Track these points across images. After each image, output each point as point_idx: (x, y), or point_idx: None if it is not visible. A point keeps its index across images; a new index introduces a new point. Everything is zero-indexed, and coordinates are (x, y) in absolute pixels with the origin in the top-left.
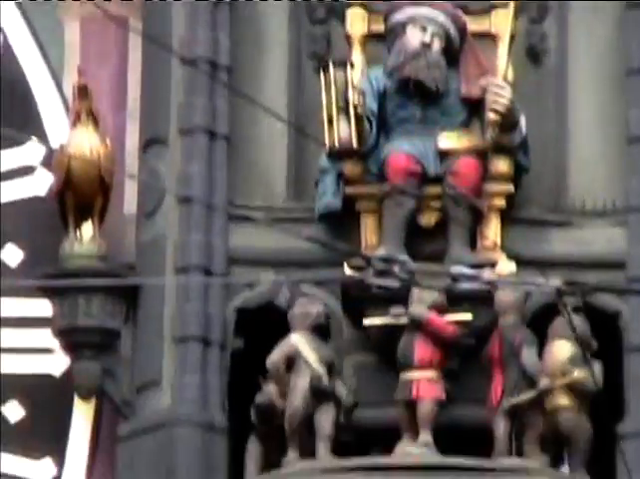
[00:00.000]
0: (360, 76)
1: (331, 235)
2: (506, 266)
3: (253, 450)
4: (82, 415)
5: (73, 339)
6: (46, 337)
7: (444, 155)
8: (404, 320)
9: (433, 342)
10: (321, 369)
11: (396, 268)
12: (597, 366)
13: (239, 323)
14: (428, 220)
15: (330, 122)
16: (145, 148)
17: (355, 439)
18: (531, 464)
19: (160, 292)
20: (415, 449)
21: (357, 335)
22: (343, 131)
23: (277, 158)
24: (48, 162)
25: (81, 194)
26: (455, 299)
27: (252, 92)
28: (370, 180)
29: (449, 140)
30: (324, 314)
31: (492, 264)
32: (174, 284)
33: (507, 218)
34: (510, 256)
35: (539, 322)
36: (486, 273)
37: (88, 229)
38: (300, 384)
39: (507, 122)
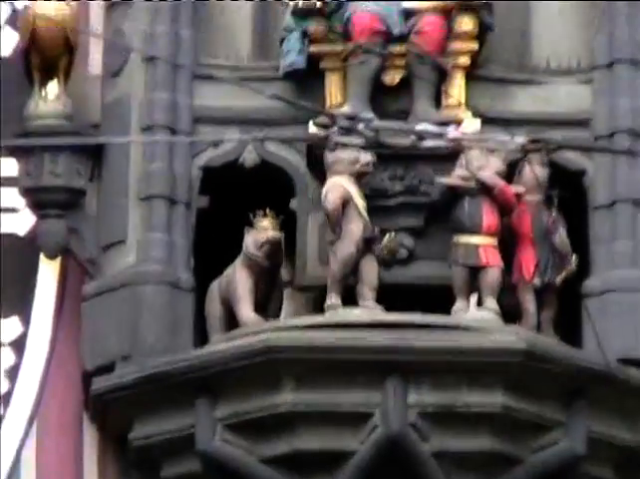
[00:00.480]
0: None
1: (296, 93)
2: (471, 124)
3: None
4: (47, 274)
5: (38, 198)
6: (12, 197)
7: (408, 13)
8: (472, 184)
9: (497, 209)
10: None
11: (360, 126)
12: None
13: (205, 182)
14: (392, 78)
15: None
16: (110, 7)
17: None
18: (494, 322)
19: (125, 151)
20: (485, 313)
21: (321, 192)
22: None
23: (242, 17)
24: (13, 21)
25: (46, 53)
26: (420, 157)
27: None
28: (334, 38)
29: None
30: (372, 164)
31: (457, 122)
32: (140, 143)
33: (472, 76)
34: (475, 114)
35: (505, 179)
36: (451, 131)
37: (53, 88)
38: (354, 231)
39: None
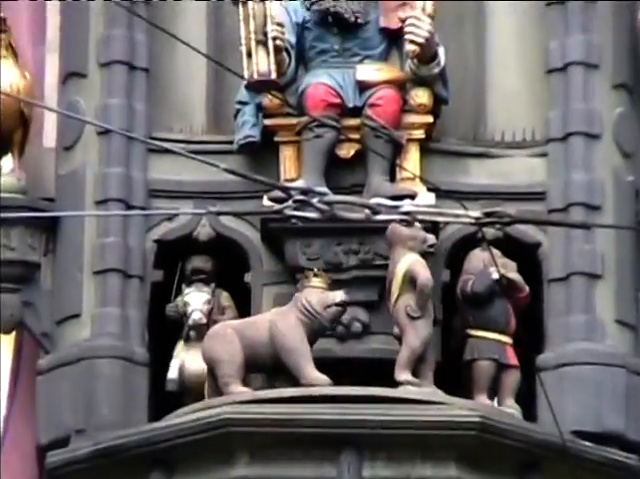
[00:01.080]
0: (278, 8)
1: (250, 166)
2: (426, 198)
3: None
4: (2, 348)
5: None
6: None
7: (363, 86)
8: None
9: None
10: None
11: (315, 200)
12: None
13: (159, 256)
14: (347, 151)
15: (249, 54)
16: (64, 81)
17: None
18: (444, 396)
19: (79, 225)
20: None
21: (276, 267)
22: (262, 63)
23: (196, 90)
24: None
25: (0, 127)
26: (374, 231)
27: (171, 25)
28: (289, 112)
29: (368, 71)
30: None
31: (412, 196)
32: (94, 217)
33: (427, 149)
34: (430, 188)
35: (458, 254)
36: (406, 205)
37: (8, 162)
38: (432, 310)
39: (426, 53)
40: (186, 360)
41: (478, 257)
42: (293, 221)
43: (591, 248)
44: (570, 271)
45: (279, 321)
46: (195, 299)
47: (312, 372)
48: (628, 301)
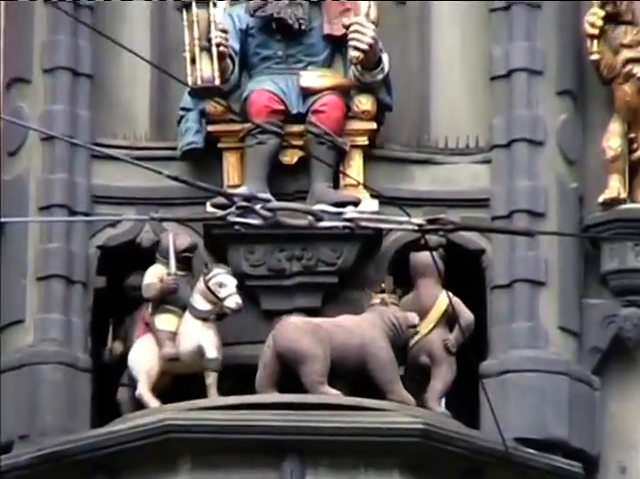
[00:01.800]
0: (222, 14)
1: (194, 173)
2: (369, 205)
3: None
4: None
5: None
6: None
7: (306, 93)
8: None
9: None
10: None
11: (258, 207)
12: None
13: (102, 262)
14: (290, 158)
15: (193, 61)
16: (7, 87)
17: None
18: (388, 403)
19: (23, 231)
20: None
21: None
22: (205, 69)
23: (140, 97)
24: None
25: None
26: (317, 238)
27: (115, 31)
28: (233, 118)
29: (311, 78)
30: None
31: (355, 203)
32: (38, 223)
33: (370, 155)
34: (373, 195)
35: (401, 261)
36: (349, 211)
37: None
38: None
39: (370, 60)
40: (206, 340)
41: None
42: (236, 227)
43: (535, 255)
44: (514, 279)
45: (370, 332)
46: (230, 282)
47: (402, 390)
48: (572, 308)
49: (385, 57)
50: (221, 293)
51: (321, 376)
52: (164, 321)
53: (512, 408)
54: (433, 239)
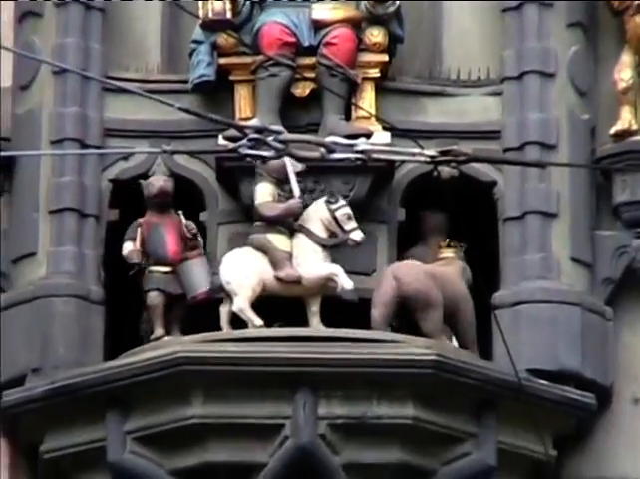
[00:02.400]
0: None
1: (205, 105)
2: (381, 136)
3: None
4: None
5: None
6: None
7: (318, 25)
8: None
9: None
10: None
11: (270, 138)
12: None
13: (114, 195)
14: (302, 90)
15: None
16: (19, 21)
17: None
18: (400, 336)
19: (35, 164)
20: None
21: (232, 205)
22: (217, 2)
23: (152, 29)
24: None
25: None
26: (329, 169)
27: None
28: (244, 51)
29: (323, 10)
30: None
31: (367, 135)
32: (50, 156)
33: (382, 88)
34: (385, 126)
35: (414, 192)
36: (361, 143)
37: None
38: None
39: None
40: (336, 269)
41: None
42: (248, 159)
43: (546, 187)
44: (526, 210)
45: (460, 288)
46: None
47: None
48: (584, 240)
49: None
50: (348, 225)
51: (441, 324)
52: (279, 241)
53: (525, 340)
54: (444, 170)
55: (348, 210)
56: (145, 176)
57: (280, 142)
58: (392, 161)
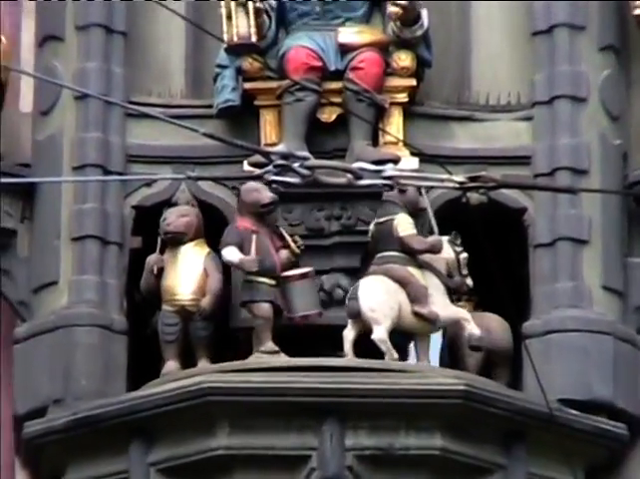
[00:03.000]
0: None
1: (230, 131)
2: (409, 162)
3: None
4: None
5: None
6: None
7: (345, 49)
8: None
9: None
10: None
11: (296, 165)
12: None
13: (137, 222)
14: (329, 115)
15: (229, 17)
16: (41, 44)
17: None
18: (427, 366)
19: (57, 191)
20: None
21: None
22: (242, 26)
23: (175, 54)
24: None
25: None
26: (356, 196)
27: None
28: (269, 75)
29: (349, 34)
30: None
31: (395, 161)
32: (72, 183)
33: (410, 113)
34: (413, 152)
35: (442, 219)
36: (389, 170)
37: None
38: None
39: (409, 15)
40: (465, 314)
41: None
42: (274, 186)
43: (578, 213)
44: (556, 237)
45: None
46: None
47: None
48: (615, 267)
49: (424, 12)
50: (464, 270)
51: None
52: (419, 276)
53: (556, 369)
54: (474, 197)
55: (466, 254)
56: (168, 202)
57: (306, 168)
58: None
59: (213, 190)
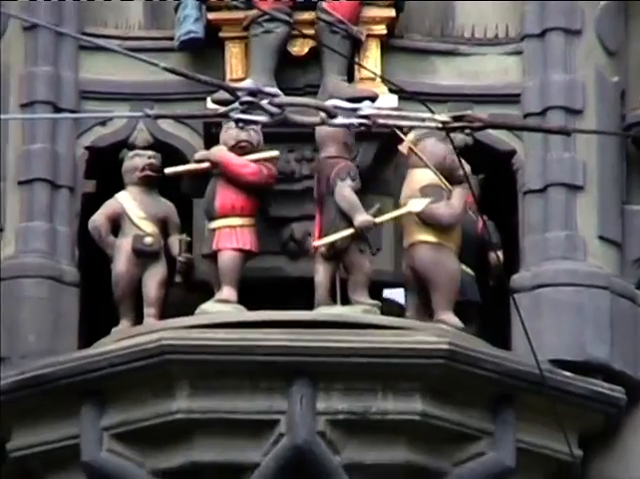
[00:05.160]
0: None
1: (193, 65)
2: (388, 100)
3: None
4: None
5: None
6: None
7: None
8: (205, 165)
9: (234, 187)
10: (148, 227)
11: (264, 102)
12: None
13: (91, 164)
14: (300, 48)
15: None
16: None
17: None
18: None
19: (2, 130)
20: (213, 306)
21: None
22: None
23: None
24: None
25: None
26: None
27: None
28: (236, 4)
29: None
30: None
31: (372, 98)
32: (19, 121)
33: (388, 46)
34: (392, 89)
35: None
36: (365, 107)
37: None
38: (124, 246)
39: None
40: None
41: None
42: (240, 125)
43: (571, 157)
44: (548, 182)
45: None
46: None
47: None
48: (612, 215)
49: None
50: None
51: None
52: None
53: (547, 327)
54: (458, 137)
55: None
56: (125, 143)
57: (276, 106)
58: (400, 127)
59: (174, 129)
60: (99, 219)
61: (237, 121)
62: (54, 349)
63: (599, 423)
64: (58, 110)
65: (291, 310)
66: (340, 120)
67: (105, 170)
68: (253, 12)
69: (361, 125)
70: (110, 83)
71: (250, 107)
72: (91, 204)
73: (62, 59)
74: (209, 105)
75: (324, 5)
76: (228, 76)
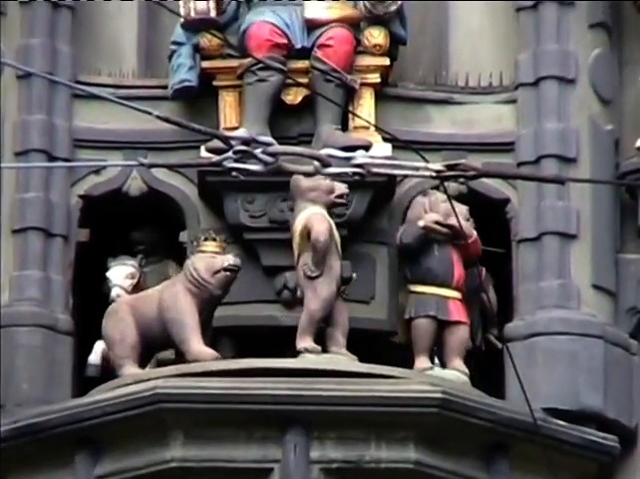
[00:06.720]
0: None
1: (186, 114)
2: (382, 149)
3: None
4: None
5: None
6: None
7: (312, 25)
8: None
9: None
10: None
11: (258, 151)
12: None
13: (85, 213)
14: (294, 97)
15: None
16: None
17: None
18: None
19: None
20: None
21: (215, 225)
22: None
23: (127, 30)
24: None
25: None
26: None
27: None
28: (230, 53)
29: (317, 9)
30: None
31: (366, 147)
32: (13, 169)
33: (382, 95)
34: (386, 138)
35: None
36: (359, 156)
37: None
38: (335, 268)
39: None
40: None
41: (419, 204)
42: (234, 174)
43: (565, 206)
44: (542, 231)
45: (165, 292)
46: (116, 274)
47: (197, 345)
48: (606, 264)
49: None
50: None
51: (120, 359)
52: None
53: (541, 375)
54: (452, 186)
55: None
56: (118, 191)
57: (269, 155)
58: (393, 176)
59: (168, 178)
60: (327, 235)
61: (231, 170)
62: (48, 398)
63: (593, 472)
64: (52, 158)
65: (287, 358)
66: (334, 169)
67: (99, 218)
68: (247, 60)
69: (355, 174)
70: (103, 131)
71: (244, 156)
72: (85, 252)
73: (56, 107)
74: (203, 153)
75: (318, 54)
76: (222, 124)
